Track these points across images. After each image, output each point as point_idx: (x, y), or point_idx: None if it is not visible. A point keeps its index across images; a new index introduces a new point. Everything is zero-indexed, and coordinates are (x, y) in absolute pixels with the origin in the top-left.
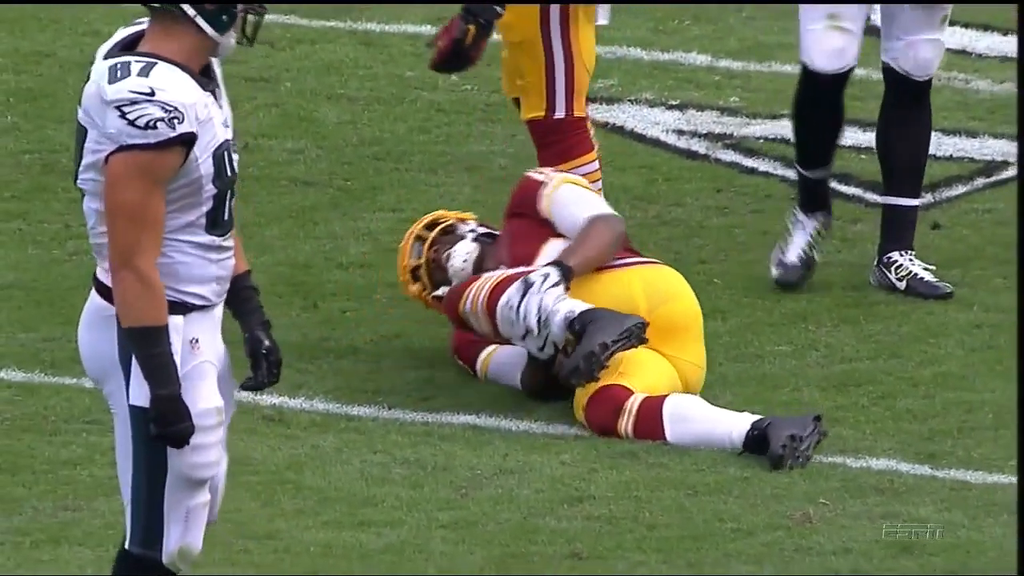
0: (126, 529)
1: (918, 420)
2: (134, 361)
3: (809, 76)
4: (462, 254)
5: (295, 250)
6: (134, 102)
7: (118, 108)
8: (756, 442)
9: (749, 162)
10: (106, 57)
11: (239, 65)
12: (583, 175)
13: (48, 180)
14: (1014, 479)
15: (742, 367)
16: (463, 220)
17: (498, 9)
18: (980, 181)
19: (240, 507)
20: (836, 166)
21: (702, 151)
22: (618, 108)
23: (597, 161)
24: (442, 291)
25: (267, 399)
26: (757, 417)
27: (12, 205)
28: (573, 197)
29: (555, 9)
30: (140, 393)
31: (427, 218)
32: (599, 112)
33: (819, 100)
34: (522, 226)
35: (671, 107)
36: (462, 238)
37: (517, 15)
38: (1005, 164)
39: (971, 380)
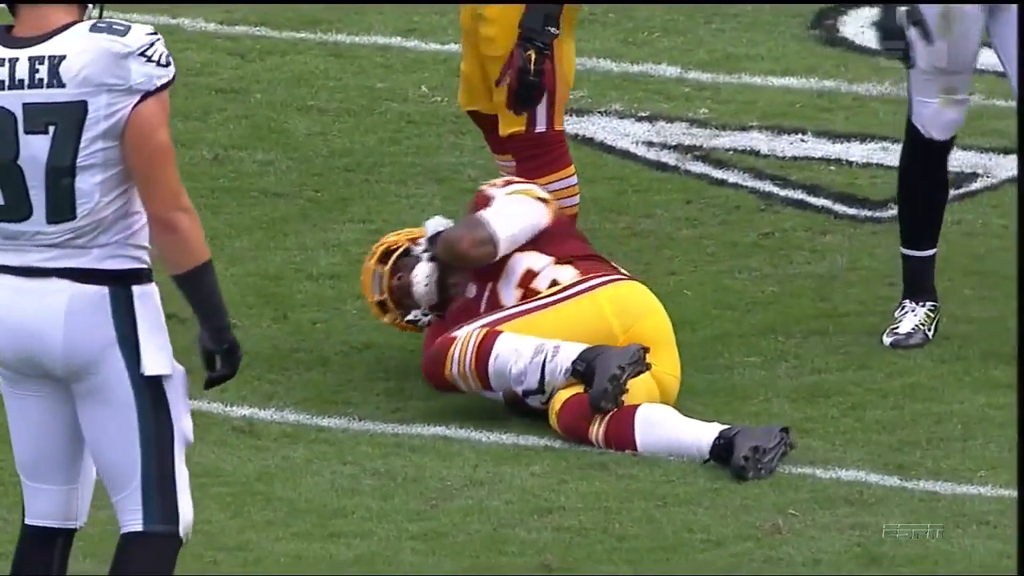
0: (134, 513)
1: (887, 431)
2: (143, 331)
3: (923, 144)
4: (423, 279)
5: (265, 261)
6: (151, 44)
7: (142, 54)
8: (722, 451)
9: (718, 173)
10: (12, 45)
11: (210, 76)
12: (562, 188)
13: None
14: (983, 490)
15: (712, 378)
16: (415, 240)
17: (553, 30)
18: (949, 193)
19: (210, 518)
20: (805, 177)
21: (672, 163)
22: (588, 120)
23: (575, 176)
24: (414, 315)
25: (237, 410)
26: (725, 427)
27: None
28: (508, 211)
29: None
30: (156, 362)
31: (378, 250)
32: (569, 124)
33: (934, 166)
34: None
35: (641, 119)
36: (418, 260)
37: (500, 29)
38: (974, 176)
39: (940, 391)
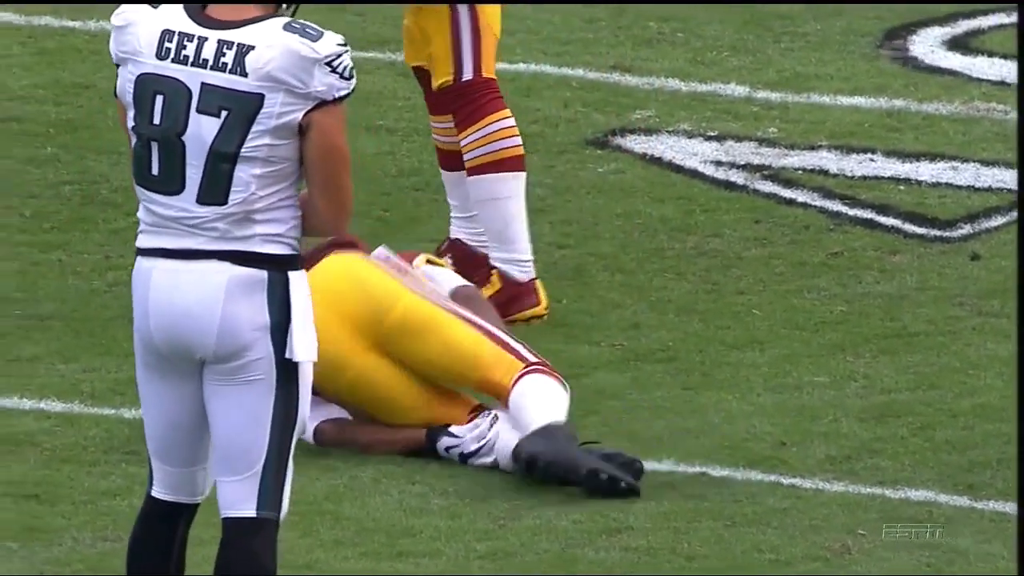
0: (248, 498)
1: (957, 451)
2: (296, 317)
3: None
4: None
5: None
6: (339, 55)
7: (328, 64)
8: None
9: (787, 193)
10: (206, 24)
11: None
12: (499, 129)
13: (88, 211)
14: None
15: (780, 397)
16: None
17: None
18: (1018, 212)
19: (279, 537)
20: (874, 196)
21: (740, 182)
22: (656, 139)
23: (512, 118)
24: None
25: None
26: (562, 421)
27: (52, 236)
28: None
29: None
30: (303, 348)
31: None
32: (637, 143)
33: None
34: None
35: (709, 138)
36: None
37: None
38: None
39: (1010, 411)
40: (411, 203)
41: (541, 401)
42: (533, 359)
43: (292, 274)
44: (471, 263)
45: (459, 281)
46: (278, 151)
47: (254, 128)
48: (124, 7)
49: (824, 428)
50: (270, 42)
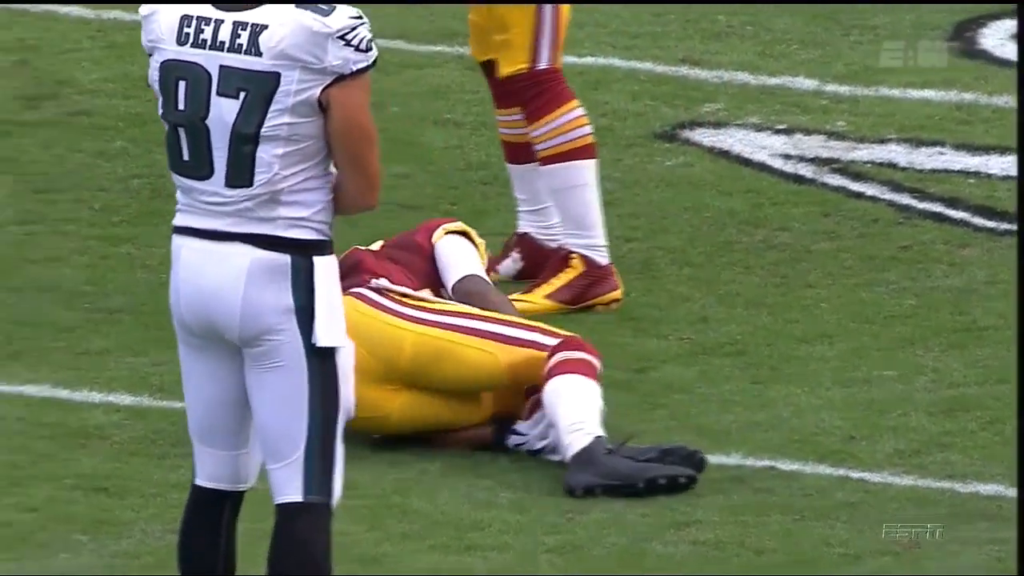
0: (293, 483)
1: None
2: (320, 301)
3: None
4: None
5: None
6: (353, 28)
7: (342, 37)
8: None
9: (856, 186)
10: (223, 7)
11: None
12: (572, 119)
13: (157, 204)
14: None
15: (849, 391)
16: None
17: None
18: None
19: (347, 530)
20: (943, 190)
21: (809, 175)
22: (725, 132)
23: (581, 107)
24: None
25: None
26: (591, 440)
27: (121, 229)
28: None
29: None
30: (328, 332)
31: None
32: (706, 137)
33: None
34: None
35: (778, 131)
36: None
37: None
38: None
39: None
40: (479, 196)
41: (570, 407)
42: (552, 341)
43: (317, 259)
44: (540, 257)
45: (463, 269)
46: (299, 129)
47: (273, 107)
48: None
49: (893, 422)
50: (282, 20)
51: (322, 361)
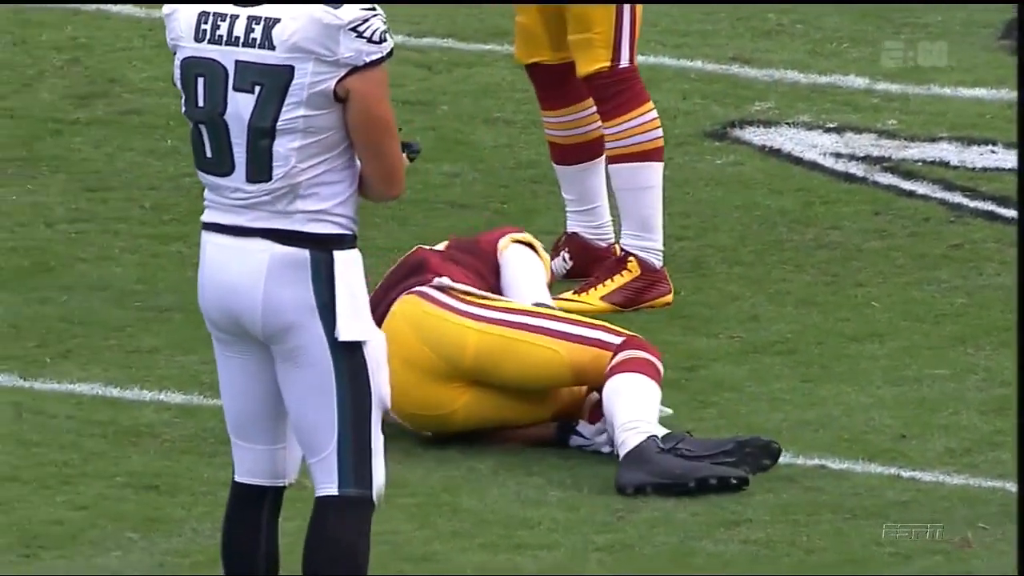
0: (329, 476)
1: None
2: (341, 296)
3: None
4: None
5: None
6: (365, 20)
7: (353, 29)
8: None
9: (907, 185)
10: (239, 2)
11: (397, 88)
12: (647, 121)
13: None
14: None
15: (900, 390)
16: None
17: None
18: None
19: (396, 528)
20: (995, 188)
21: (860, 174)
22: (775, 131)
23: (655, 110)
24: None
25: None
26: (644, 439)
27: (172, 228)
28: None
29: None
30: (351, 327)
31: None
32: (756, 135)
33: None
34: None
35: (829, 130)
36: None
37: None
38: None
39: None
40: (529, 195)
41: (628, 406)
42: (617, 340)
43: (338, 253)
44: (589, 256)
45: (529, 294)
46: (315, 121)
47: (288, 100)
48: None
49: (944, 421)
50: (294, 13)
51: (348, 355)
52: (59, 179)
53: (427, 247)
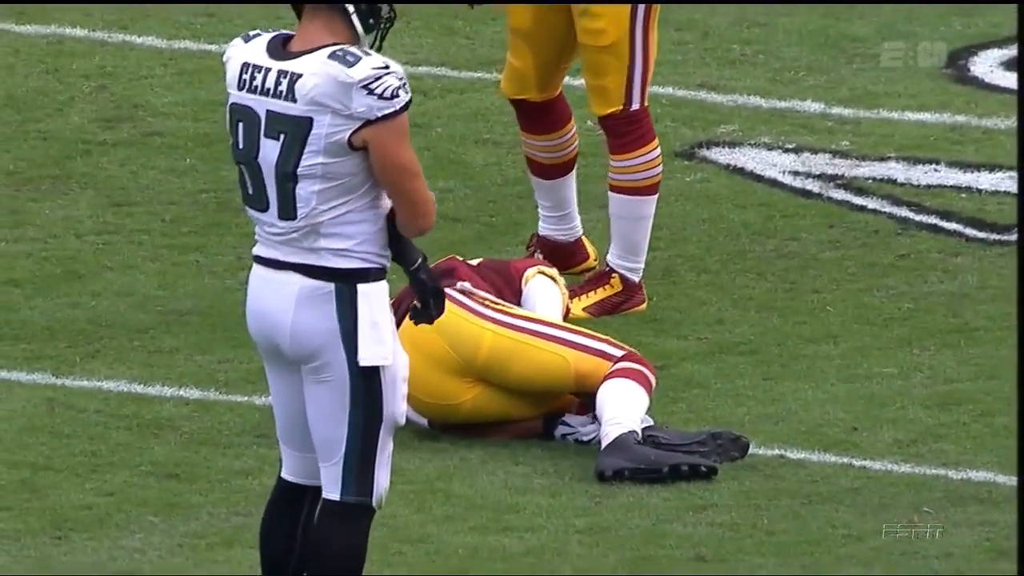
0: (334, 483)
1: (1014, 436)
2: (363, 325)
3: None
4: None
5: None
6: (377, 78)
7: (365, 87)
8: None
9: (859, 200)
10: (275, 56)
11: None
12: (650, 160)
13: (223, 216)
14: None
15: (852, 387)
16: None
17: None
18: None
19: (394, 513)
20: (938, 204)
21: (816, 190)
22: (739, 151)
23: (659, 148)
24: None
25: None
26: (625, 431)
27: (190, 239)
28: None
29: (641, 10)
30: (371, 354)
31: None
32: (722, 155)
33: None
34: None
35: (787, 150)
36: None
37: (609, 21)
38: None
39: None
40: (515, 209)
41: (616, 405)
42: (619, 353)
43: (361, 286)
44: (560, 252)
45: (550, 302)
46: (333, 168)
47: (307, 148)
48: (232, 43)
49: (892, 415)
50: (314, 70)
51: (366, 379)
52: (88, 195)
53: (460, 258)
